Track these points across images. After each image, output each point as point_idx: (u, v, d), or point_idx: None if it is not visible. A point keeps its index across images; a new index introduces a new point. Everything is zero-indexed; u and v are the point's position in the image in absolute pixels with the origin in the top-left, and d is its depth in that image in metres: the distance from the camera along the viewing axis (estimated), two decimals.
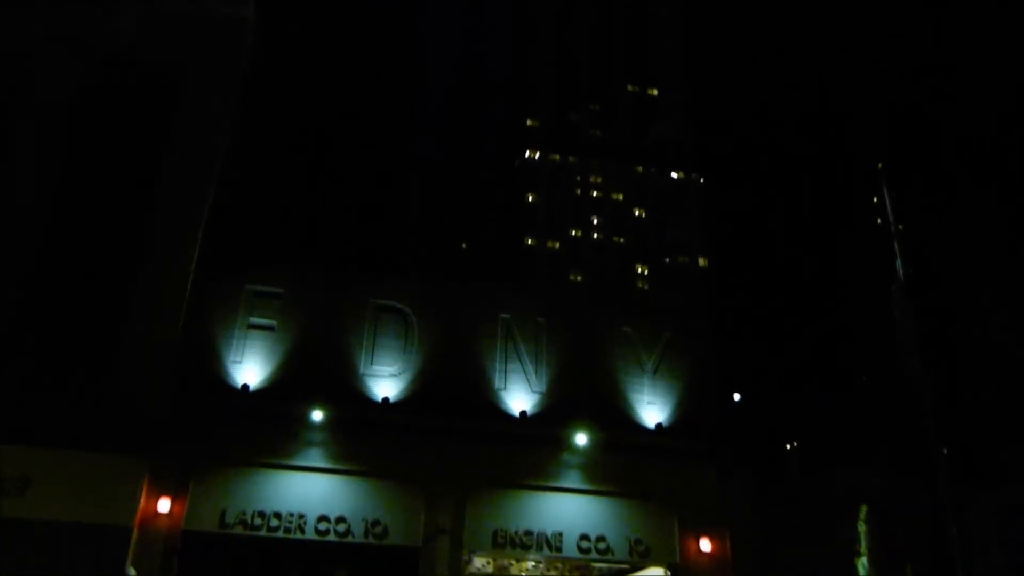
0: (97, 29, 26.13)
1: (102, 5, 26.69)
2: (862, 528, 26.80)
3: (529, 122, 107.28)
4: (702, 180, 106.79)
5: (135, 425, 21.36)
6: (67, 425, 20.89)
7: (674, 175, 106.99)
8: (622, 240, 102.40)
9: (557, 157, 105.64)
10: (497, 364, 24.94)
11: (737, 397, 42.28)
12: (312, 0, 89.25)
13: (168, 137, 25.52)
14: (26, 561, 19.53)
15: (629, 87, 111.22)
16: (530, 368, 25.00)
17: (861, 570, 26.22)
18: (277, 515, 22.00)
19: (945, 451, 24.11)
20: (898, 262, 26.11)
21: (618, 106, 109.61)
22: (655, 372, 25.74)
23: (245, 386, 22.92)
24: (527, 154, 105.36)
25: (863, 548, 26.50)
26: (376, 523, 22.46)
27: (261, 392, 23.04)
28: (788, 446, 37.92)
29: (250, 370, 23.25)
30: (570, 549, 23.46)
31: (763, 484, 26.83)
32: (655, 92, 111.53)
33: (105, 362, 22.10)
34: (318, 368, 23.62)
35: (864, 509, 27.06)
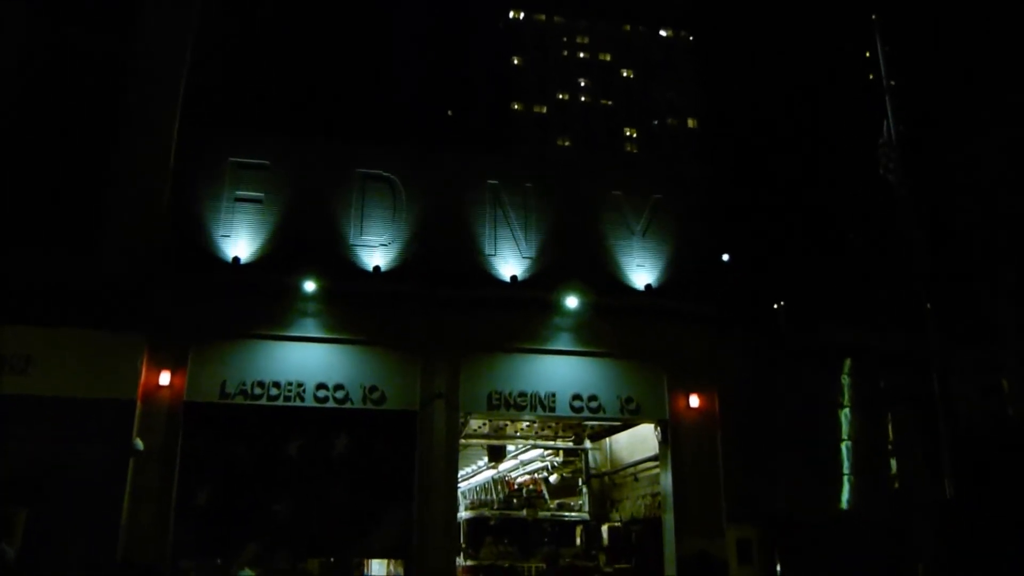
0: None
1: None
2: (845, 381, 27.59)
3: None
4: (691, 38, 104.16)
5: (131, 301, 21.54)
6: (64, 303, 21.05)
7: (663, 33, 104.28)
8: (610, 103, 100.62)
9: (543, 17, 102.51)
10: (486, 230, 25.00)
11: (726, 258, 42.62)
12: None
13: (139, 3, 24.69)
14: (35, 436, 20.06)
15: None
16: (519, 233, 25.08)
17: (844, 421, 27.16)
18: (276, 384, 22.49)
19: (929, 306, 24.54)
20: (888, 120, 25.86)
21: None
22: (644, 234, 25.86)
23: (236, 259, 22.97)
24: (511, 15, 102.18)
25: (846, 400, 27.37)
26: (374, 389, 23.01)
27: (252, 265, 23.12)
28: (776, 305, 38.47)
29: (240, 243, 23.25)
30: (563, 408, 24.18)
31: (751, 342, 27.40)
32: None
33: (95, 238, 22.05)
34: (308, 239, 23.64)
35: (848, 363, 27.79)
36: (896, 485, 27.31)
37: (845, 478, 26.75)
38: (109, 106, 23.44)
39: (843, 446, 27.02)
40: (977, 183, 40.27)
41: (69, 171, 22.63)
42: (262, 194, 23.84)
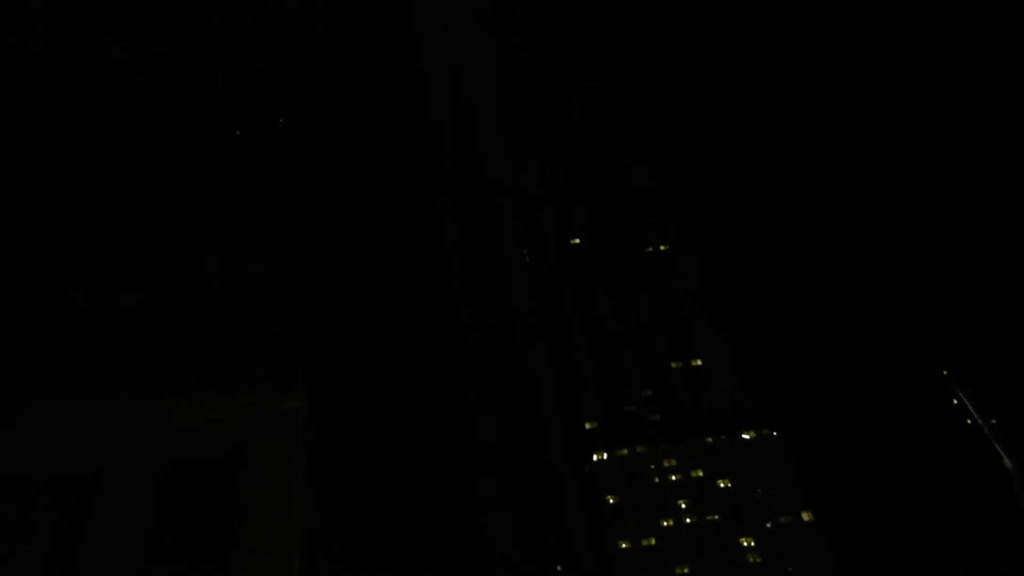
0: (159, 433, 27.39)
1: (160, 409, 28.18)
2: None
3: (588, 425, 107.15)
4: (775, 433, 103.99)
5: None
6: None
7: (746, 436, 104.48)
8: (717, 517, 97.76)
9: (625, 452, 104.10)
10: None
11: None
12: (360, 380, 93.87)
13: (242, 523, 25.46)
14: None
15: (673, 364, 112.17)
16: None
17: None
18: None
19: None
20: (1005, 459, 24.36)
21: (668, 385, 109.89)
22: None
23: None
24: (595, 457, 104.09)
25: None
26: None
27: None
28: None
29: None
30: None
31: None
32: (699, 362, 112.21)
33: None
34: None
35: None
36: None
37: None
38: None
39: None
40: None
41: None
42: None
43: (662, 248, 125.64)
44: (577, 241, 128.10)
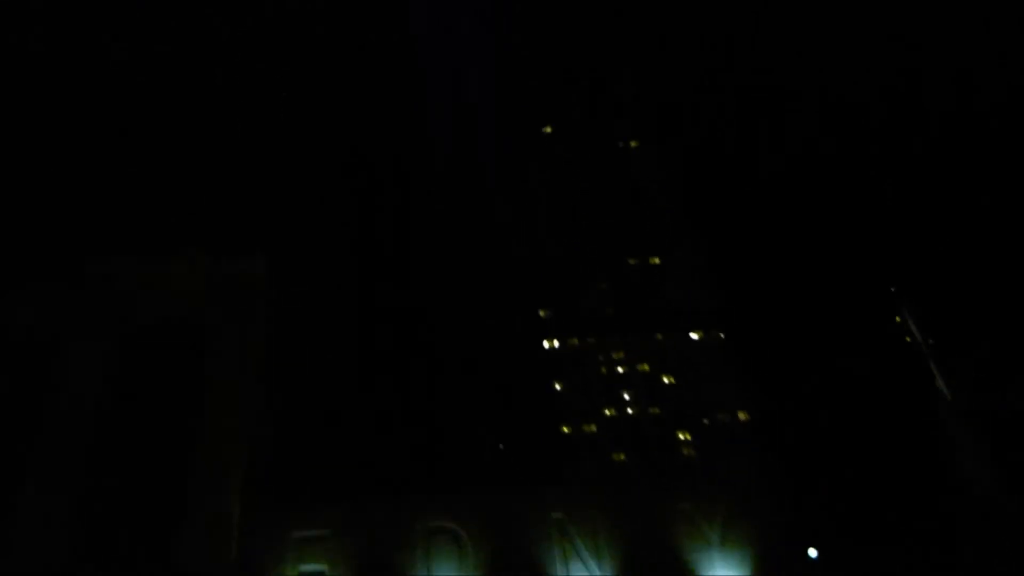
0: (122, 299, 27.44)
1: (124, 277, 28.16)
2: None
3: (541, 313, 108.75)
4: (722, 335, 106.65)
5: None
6: None
7: (694, 336, 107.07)
8: (658, 410, 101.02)
9: (576, 341, 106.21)
10: (557, 566, 24.03)
11: (813, 553, 40.34)
12: (320, 245, 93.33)
13: (200, 387, 26.05)
14: None
15: (630, 260, 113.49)
16: (592, 564, 24.04)
17: None
18: None
19: None
20: (937, 379, 25.61)
21: (624, 280, 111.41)
22: (723, 543, 24.70)
23: None
24: (546, 344, 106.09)
25: None
26: None
27: None
28: None
29: None
30: None
31: None
32: (657, 260, 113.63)
33: None
34: None
35: None
36: None
37: None
38: (171, 501, 23.90)
39: None
40: None
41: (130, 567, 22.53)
42: (325, 566, 23.40)
43: (632, 144, 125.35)
44: (549, 130, 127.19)
